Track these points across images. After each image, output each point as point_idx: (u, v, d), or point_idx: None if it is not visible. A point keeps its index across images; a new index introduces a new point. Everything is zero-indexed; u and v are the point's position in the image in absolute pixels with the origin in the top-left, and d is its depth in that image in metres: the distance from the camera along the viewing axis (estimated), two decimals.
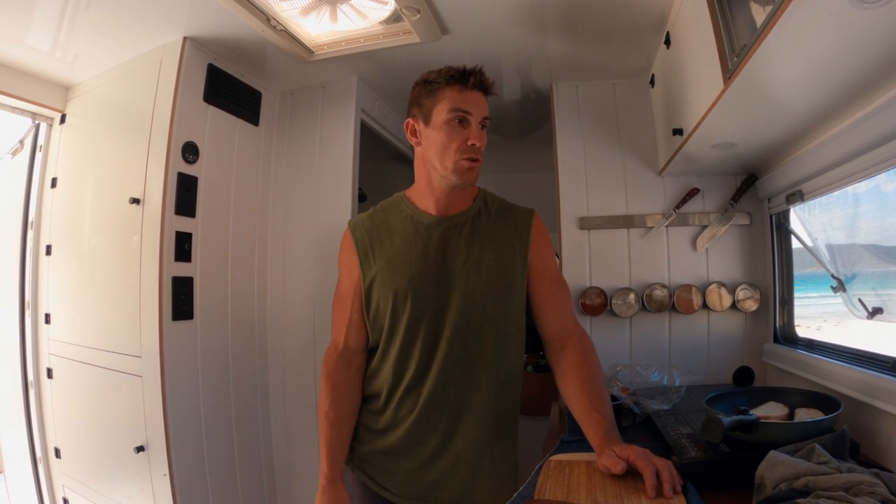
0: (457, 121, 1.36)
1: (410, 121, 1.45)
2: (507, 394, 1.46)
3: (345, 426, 1.47)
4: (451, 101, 1.35)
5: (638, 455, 1.09)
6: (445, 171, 1.38)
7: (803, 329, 2.12)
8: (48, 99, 2.51)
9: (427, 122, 1.40)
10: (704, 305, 2.32)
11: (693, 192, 2.37)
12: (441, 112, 1.36)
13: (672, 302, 2.34)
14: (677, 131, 1.95)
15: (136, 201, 2.14)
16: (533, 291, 1.48)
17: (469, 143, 1.35)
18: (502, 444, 1.45)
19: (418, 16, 1.93)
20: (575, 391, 1.35)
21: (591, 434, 1.24)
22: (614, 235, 2.45)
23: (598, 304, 2.39)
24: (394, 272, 1.41)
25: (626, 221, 2.44)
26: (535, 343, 1.53)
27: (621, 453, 1.12)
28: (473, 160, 1.37)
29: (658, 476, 1.04)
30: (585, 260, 2.45)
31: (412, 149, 1.50)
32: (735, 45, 1.35)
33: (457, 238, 1.44)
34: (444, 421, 1.41)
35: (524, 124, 3.39)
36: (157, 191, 2.09)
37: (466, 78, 1.37)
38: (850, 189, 1.66)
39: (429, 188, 1.45)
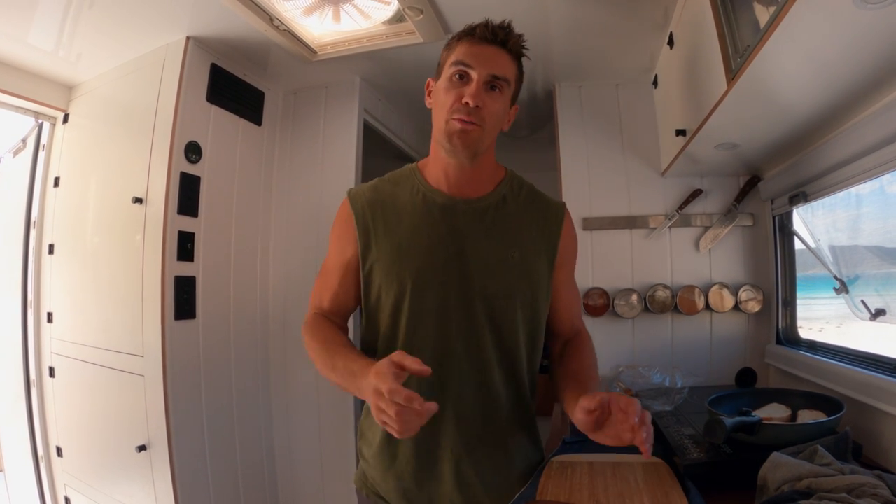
0: (457, 76, 1.18)
1: (430, 80, 1.29)
2: (520, 403, 1.30)
3: (347, 339, 1.27)
4: (456, 55, 1.19)
5: (617, 396, 0.99)
6: (439, 132, 1.20)
7: (806, 331, 2.11)
8: (51, 98, 2.51)
9: (438, 78, 1.25)
10: (707, 307, 2.32)
11: (696, 193, 2.37)
12: (447, 66, 1.21)
13: (675, 303, 2.33)
14: (680, 132, 1.95)
15: (138, 201, 2.14)
16: (560, 307, 1.35)
17: (463, 100, 1.15)
18: (516, 457, 1.31)
19: (421, 16, 1.93)
20: (565, 369, 1.26)
21: (573, 395, 1.10)
22: (617, 236, 2.45)
23: (600, 304, 2.39)
24: (400, 260, 1.22)
25: (629, 222, 2.44)
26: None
27: (598, 394, 1.01)
28: (466, 122, 1.15)
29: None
30: (588, 260, 2.44)
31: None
32: (738, 46, 1.35)
33: (477, 228, 1.24)
34: (448, 435, 1.24)
35: (527, 124, 3.39)
36: (159, 190, 2.09)
37: (475, 29, 1.20)
38: (853, 190, 1.66)
39: (437, 157, 1.27)
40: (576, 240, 1.38)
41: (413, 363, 0.96)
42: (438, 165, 1.26)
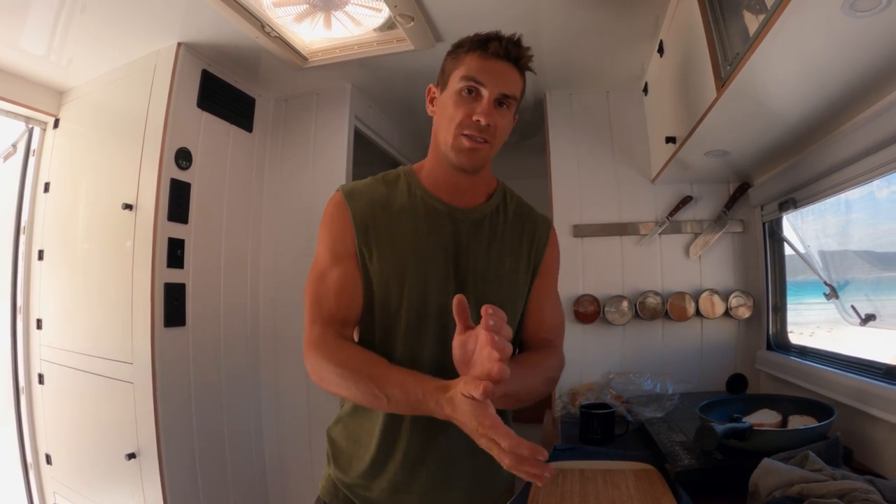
0: (466, 91, 1.14)
1: (431, 86, 1.26)
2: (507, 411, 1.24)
3: (381, 359, 1.10)
4: (467, 69, 1.15)
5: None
6: (446, 145, 1.17)
7: (796, 336, 2.12)
8: (42, 103, 2.50)
9: (444, 88, 1.20)
10: (698, 313, 2.32)
11: (686, 200, 2.38)
12: (455, 79, 1.16)
13: (665, 309, 2.34)
14: (670, 139, 1.96)
15: (128, 207, 2.13)
16: (530, 310, 1.29)
17: (473, 118, 1.12)
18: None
19: (412, 23, 1.93)
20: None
21: None
22: (608, 243, 2.46)
23: (591, 311, 2.39)
24: (399, 263, 1.17)
25: (620, 229, 2.45)
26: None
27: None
28: (475, 140, 1.14)
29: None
30: (579, 267, 2.45)
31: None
32: (728, 54, 1.36)
33: (474, 236, 1.22)
34: (441, 441, 1.18)
35: (517, 131, 3.39)
36: (149, 196, 2.08)
37: (487, 44, 1.15)
38: (842, 196, 1.67)
39: (438, 165, 1.23)
40: (559, 255, 1.36)
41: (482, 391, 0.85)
42: (438, 173, 1.24)
